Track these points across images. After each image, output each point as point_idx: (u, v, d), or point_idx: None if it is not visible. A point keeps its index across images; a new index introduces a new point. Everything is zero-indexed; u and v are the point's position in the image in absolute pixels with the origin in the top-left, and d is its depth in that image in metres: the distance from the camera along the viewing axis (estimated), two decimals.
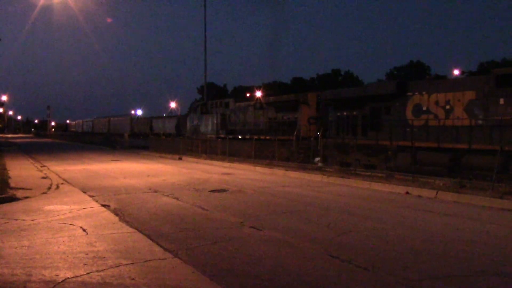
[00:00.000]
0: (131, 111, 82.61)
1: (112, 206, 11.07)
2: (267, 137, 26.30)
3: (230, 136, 30.27)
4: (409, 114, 17.89)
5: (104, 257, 6.46)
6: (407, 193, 13.48)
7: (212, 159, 26.84)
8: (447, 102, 16.51)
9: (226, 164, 23.94)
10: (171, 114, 71.45)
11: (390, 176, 16.06)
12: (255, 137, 26.57)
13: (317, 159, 21.42)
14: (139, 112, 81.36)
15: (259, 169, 20.96)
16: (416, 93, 17.76)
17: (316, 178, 17.36)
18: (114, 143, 47.30)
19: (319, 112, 23.99)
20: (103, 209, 10.55)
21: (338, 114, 21.52)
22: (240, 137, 29.91)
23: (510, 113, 14.43)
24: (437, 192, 12.92)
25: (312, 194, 13.57)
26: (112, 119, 77.38)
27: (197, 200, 12.05)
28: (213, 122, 34.61)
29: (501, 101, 14.69)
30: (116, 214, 9.92)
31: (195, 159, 27.86)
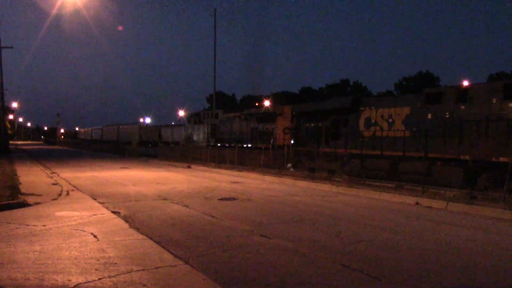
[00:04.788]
0: (140, 120, 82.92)
1: (122, 213, 11.12)
2: (250, 145, 29.56)
3: (219, 144, 33.71)
4: (361, 126, 20.39)
5: (115, 263, 6.49)
6: (417, 203, 13.42)
7: (220, 167, 26.91)
8: (390, 116, 19.01)
9: (235, 172, 23.98)
10: (180, 123, 71.67)
11: (399, 187, 16.04)
12: (239, 145, 29.60)
13: (289, 165, 23.75)
14: (148, 120, 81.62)
15: (267, 178, 20.98)
16: (367, 108, 20.29)
17: (325, 187, 17.36)
18: (123, 150, 47.51)
19: (293, 123, 26.60)
20: (113, 215, 10.60)
21: (307, 125, 24.16)
22: (227, 145, 32.84)
23: (435, 125, 16.73)
24: (447, 203, 12.86)
25: (321, 203, 13.55)
26: (121, 127, 77.74)
27: (206, 208, 12.08)
28: (204, 131, 37.95)
29: (429, 115, 17.15)
30: (126, 221, 9.96)
31: (203, 167, 27.92)
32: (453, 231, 9.73)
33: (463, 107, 15.98)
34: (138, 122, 78.65)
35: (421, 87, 24.94)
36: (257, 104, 49.79)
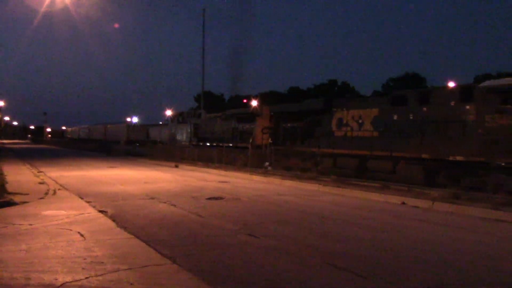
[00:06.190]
0: (127, 119, 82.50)
1: (109, 212, 11.10)
2: (230, 145, 30.32)
3: (201, 144, 34.64)
4: (333, 126, 21.34)
5: (102, 262, 6.49)
6: (403, 203, 13.55)
7: (208, 167, 26.94)
8: (360, 117, 19.88)
9: (222, 172, 24.00)
10: (167, 122, 71.46)
11: (385, 187, 16.18)
12: (220, 144, 30.79)
13: (266, 163, 24.30)
14: (136, 119, 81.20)
15: (255, 177, 21.04)
16: (339, 109, 21.22)
17: (312, 187, 17.44)
18: (111, 150, 47.36)
19: (271, 123, 27.25)
20: (100, 215, 10.58)
21: (284, 125, 25.18)
22: (208, 144, 33.81)
23: (400, 126, 17.66)
24: (433, 203, 13.00)
25: (308, 203, 13.64)
26: (108, 126, 77.35)
27: (194, 207, 12.10)
28: (187, 130, 38.69)
29: (395, 116, 18.04)
30: (114, 220, 9.95)
31: (191, 167, 27.93)
32: (438, 230, 9.86)
33: (425, 109, 16.90)
34: (126, 121, 78.25)
35: (408, 87, 25.45)
36: (245, 101, 49.95)
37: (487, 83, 15.80)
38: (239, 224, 9.92)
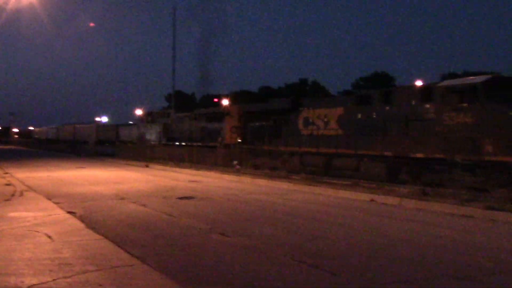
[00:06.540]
0: (97, 118, 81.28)
1: (78, 213, 10.92)
2: (200, 144, 30.64)
3: (170, 143, 34.89)
4: (300, 125, 21.60)
5: (70, 264, 6.38)
6: (372, 200, 13.73)
7: (179, 166, 26.81)
8: (326, 116, 20.21)
9: (194, 171, 23.91)
10: (137, 122, 70.74)
11: (355, 184, 16.40)
12: (189, 143, 31.46)
13: (235, 162, 24.42)
14: (105, 119, 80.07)
15: (226, 176, 21.02)
16: (306, 108, 21.56)
17: (283, 185, 17.51)
18: (80, 150, 46.73)
19: (240, 123, 27.48)
20: (69, 216, 10.40)
21: (252, 124, 25.34)
22: (177, 143, 34.16)
23: (364, 125, 18.08)
24: (401, 200, 13.21)
25: (279, 201, 13.69)
26: (77, 126, 76.03)
27: (164, 207, 12.01)
28: (157, 130, 38.86)
29: (360, 116, 18.40)
30: (82, 221, 9.79)
31: (162, 166, 27.75)
32: (406, 226, 10.02)
33: (388, 108, 17.35)
34: (96, 121, 77.10)
35: (377, 87, 25.92)
36: (216, 100, 49.91)
37: (445, 82, 16.41)
38: (211, 223, 9.90)
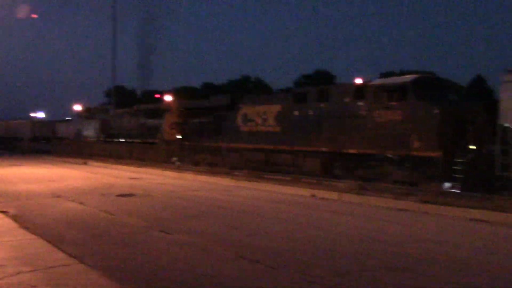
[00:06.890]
0: (32, 114, 78.19)
1: (11, 212, 10.47)
2: (138, 140, 30.60)
3: (109, 139, 34.47)
4: (239, 122, 21.80)
5: (2, 265, 6.10)
6: (313, 195, 13.98)
7: (119, 163, 26.30)
8: (264, 113, 20.45)
9: (134, 168, 23.52)
10: (75, 118, 68.70)
11: (296, 180, 16.66)
12: (129, 140, 31.41)
13: (174, 158, 24.81)
14: (41, 115, 77.19)
15: (168, 173, 20.81)
16: (245, 105, 21.89)
17: (225, 182, 17.54)
18: (14, 147, 44.92)
19: (180, 119, 27.58)
20: (1, 215, 9.94)
21: (193, 121, 25.49)
22: (115, 140, 33.89)
23: (301, 122, 18.49)
24: (340, 194, 13.53)
25: (222, 197, 13.69)
26: (11, 122, 72.99)
27: (103, 205, 11.73)
28: (95, 127, 38.11)
29: (296, 112, 18.75)
30: (16, 221, 9.39)
31: (101, 163, 27.13)
32: (345, 220, 10.29)
33: (323, 105, 17.82)
34: (31, 117, 74.21)
35: (318, 84, 26.38)
36: (159, 96, 49.28)
37: (377, 81, 17.12)
38: (151, 220, 9.77)
